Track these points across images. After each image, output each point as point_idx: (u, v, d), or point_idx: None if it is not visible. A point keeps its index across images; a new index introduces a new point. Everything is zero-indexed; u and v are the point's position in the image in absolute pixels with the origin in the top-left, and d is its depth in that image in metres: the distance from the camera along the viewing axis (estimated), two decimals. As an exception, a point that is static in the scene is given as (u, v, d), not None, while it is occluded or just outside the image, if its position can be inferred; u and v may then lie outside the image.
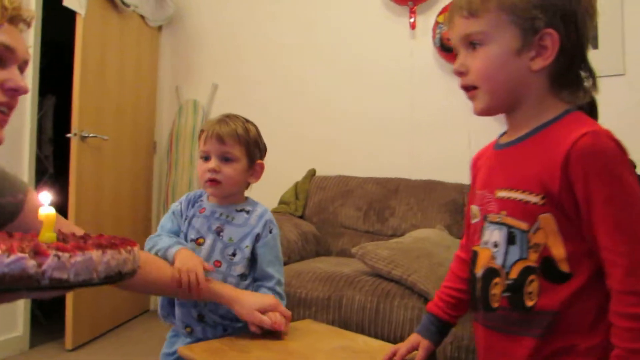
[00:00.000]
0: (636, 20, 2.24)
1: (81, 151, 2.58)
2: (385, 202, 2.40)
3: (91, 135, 2.63)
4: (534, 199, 0.77)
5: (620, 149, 0.74)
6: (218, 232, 1.24)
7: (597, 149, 0.73)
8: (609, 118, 1.78)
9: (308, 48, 2.96)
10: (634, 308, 0.70)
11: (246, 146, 1.25)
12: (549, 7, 0.77)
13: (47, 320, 2.81)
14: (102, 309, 2.73)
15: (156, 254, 1.20)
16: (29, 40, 2.54)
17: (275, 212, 2.53)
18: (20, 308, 2.49)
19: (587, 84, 0.81)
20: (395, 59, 2.73)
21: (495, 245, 0.82)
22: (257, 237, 1.26)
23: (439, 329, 0.99)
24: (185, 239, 1.25)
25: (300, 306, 1.84)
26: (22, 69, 0.89)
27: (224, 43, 3.22)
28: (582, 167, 0.73)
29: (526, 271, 0.78)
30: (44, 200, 0.71)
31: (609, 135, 0.74)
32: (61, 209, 2.64)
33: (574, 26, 0.78)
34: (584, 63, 0.81)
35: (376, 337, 1.63)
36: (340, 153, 2.81)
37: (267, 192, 2.83)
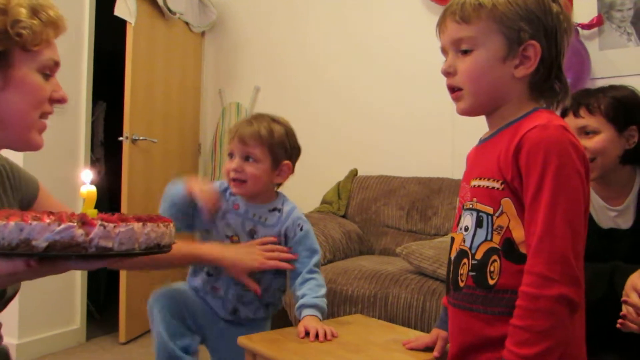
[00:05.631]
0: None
1: (132, 154, 2.70)
2: (428, 202, 2.42)
3: (141, 138, 2.74)
4: (496, 184, 0.83)
5: (567, 143, 0.78)
6: (252, 234, 1.30)
7: (541, 140, 0.78)
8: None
9: (348, 48, 3.00)
10: (526, 287, 0.76)
11: (269, 147, 1.27)
12: (534, 21, 0.84)
13: (100, 316, 2.96)
14: (152, 305, 2.84)
15: None
16: (83, 49, 2.67)
17: (318, 211, 2.58)
18: (77, 303, 2.63)
19: (561, 95, 0.88)
20: (435, 58, 2.72)
21: (466, 229, 0.87)
22: (286, 236, 1.30)
23: None
24: (219, 235, 1.31)
25: (346, 303, 1.89)
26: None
27: (265, 47, 3.29)
28: (526, 156, 0.79)
29: (490, 252, 0.83)
30: (86, 179, 0.76)
31: (558, 129, 0.79)
32: (113, 209, 2.77)
33: (554, 41, 0.85)
34: (560, 75, 0.87)
35: (422, 333, 1.65)
36: (381, 153, 2.84)
37: (310, 191, 2.89)
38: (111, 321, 2.75)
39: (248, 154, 1.27)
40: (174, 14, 3.01)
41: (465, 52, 0.86)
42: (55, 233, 0.65)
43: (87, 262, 0.70)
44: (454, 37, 0.87)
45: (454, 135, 2.64)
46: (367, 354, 1.08)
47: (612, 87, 1.38)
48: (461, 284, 0.87)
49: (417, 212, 2.43)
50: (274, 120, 1.31)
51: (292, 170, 1.33)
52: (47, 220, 0.65)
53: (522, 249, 0.80)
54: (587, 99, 1.35)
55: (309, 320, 1.19)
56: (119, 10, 2.62)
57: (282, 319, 1.98)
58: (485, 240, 0.84)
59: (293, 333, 1.20)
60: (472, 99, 0.88)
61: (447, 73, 0.90)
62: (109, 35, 2.87)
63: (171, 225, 0.77)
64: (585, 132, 1.33)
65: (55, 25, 0.91)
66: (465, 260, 0.87)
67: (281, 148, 1.29)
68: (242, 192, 1.29)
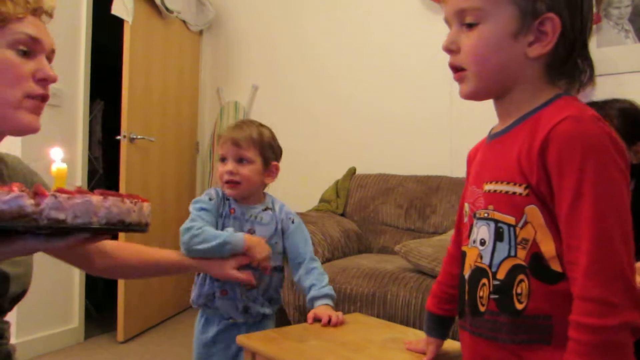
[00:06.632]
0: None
1: (130, 152, 2.69)
2: (427, 200, 2.42)
3: (139, 137, 2.74)
4: (518, 189, 0.69)
5: (605, 136, 0.65)
6: (251, 233, 1.33)
7: (575, 134, 0.65)
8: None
9: (346, 47, 2.99)
10: (584, 316, 0.62)
11: (260, 149, 1.34)
12: None
13: (98, 314, 2.96)
14: (151, 304, 2.84)
15: None
16: (80, 48, 2.66)
17: (316, 210, 2.58)
18: (75, 302, 2.63)
19: (584, 75, 0.75)
20: (433, 56, 2.73)
21: (483, 243, 0.74)
22: (282, 231, 1.37)
23: (440, 324, 0.97)
24: None
25: (345, 301, 1.89)
26: (49, 59, 0.91)
27: (263, 45, 3.29)
28: (557, 154, 0.65)
29: (515, 270, 0.70)
30: (56, 156, 0.72)
31: (594, 121, 0.66)
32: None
33: (579, 12, 0.71)
34: (584, 53, 0.74)
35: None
36: (380, 151, 2.84)
37: (308, 190, 2.89)
38: (109, 320, 2.75)
39: (241, 157, 1.32)
40: (172, 12, 3.00)
41: (470, 26, 0.72)
42: (2, 202, 0.60)
43: (45, 240, 0.65)
44: (457, 7, 0.73)
45: (452, 133, 2.64)
46: (365, 352, 1.08)
47: (615, 100, 1.37)
48: (482, 309, 0.73)
49: (415, 210, 2.43)
50: (260, 125, 1.40)
51: (278, 171, 1.40)
52: None
53: (554, 266, 0.68)
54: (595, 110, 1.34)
55: (321, 308, 1.28)
56: (116, 9, 2.61)
57: (281, 318, 1.98)
58: (508, 256, 0.70)
59: (292, 332, 1.20)
60: (477, 81, 0.74)
61: (449, 50, 0.76)
62: (107, 34, 2.86)
63: (145, 205, 0.70)
64: None
65: (25, 2, 0.85)
66: (484, 280, 0.73)
67: (269, 149, 1.36)
68: (236, 193, 1.34)
